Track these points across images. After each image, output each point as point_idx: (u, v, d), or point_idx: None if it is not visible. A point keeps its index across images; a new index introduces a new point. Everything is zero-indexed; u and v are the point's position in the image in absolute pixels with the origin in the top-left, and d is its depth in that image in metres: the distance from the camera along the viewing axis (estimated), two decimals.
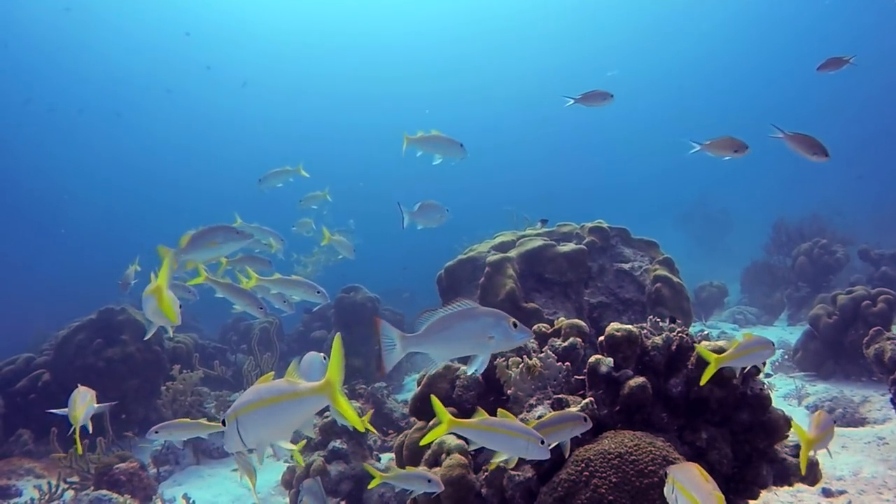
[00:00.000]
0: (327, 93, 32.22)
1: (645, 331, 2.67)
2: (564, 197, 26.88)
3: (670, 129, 33.32)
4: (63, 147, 29.71)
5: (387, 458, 4.45)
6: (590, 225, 5.12)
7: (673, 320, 2.74)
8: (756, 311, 9.27)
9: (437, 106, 31.21)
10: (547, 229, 5.25)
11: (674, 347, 2.61)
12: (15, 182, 29.72)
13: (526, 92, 32.79)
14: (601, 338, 2.60)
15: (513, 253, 4.54)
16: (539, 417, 2.30)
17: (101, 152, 29.97)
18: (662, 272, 4.76)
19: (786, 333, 7.86)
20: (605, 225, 5.12)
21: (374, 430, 3.45)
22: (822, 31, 25.90)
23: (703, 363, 2.47)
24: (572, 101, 4.18)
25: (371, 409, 5.20)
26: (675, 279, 4.75)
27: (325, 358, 2.31)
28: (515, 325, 1.79)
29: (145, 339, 2.57)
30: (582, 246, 4.71)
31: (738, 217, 19.69)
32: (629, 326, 2.54)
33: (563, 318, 2.95)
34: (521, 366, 2.48)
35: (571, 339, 2.78)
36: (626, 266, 4.97)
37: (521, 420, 2.35)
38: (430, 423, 2.60)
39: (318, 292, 3.30)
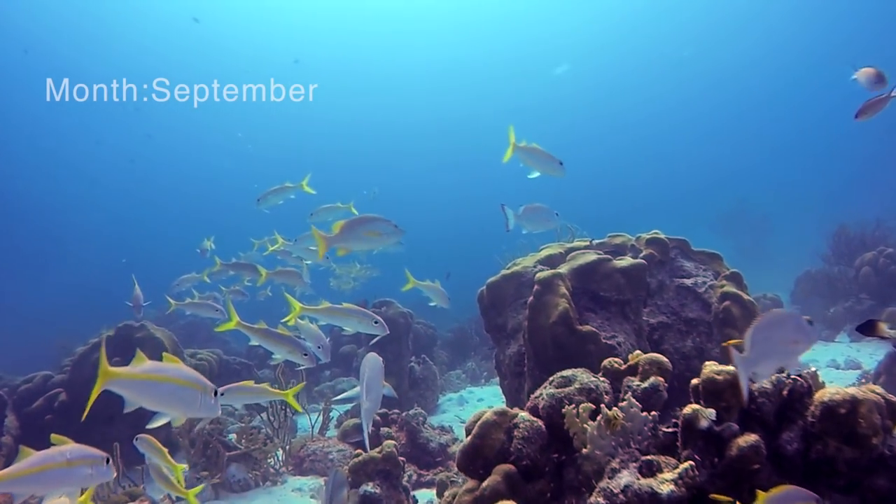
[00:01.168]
0: (352, 98, 31.94)
1: None
2: (595, 206, 26.18)
3: (702, 138, 32.58)
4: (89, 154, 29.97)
5: (422, 496, 3.99)
6: (646, 236, 4.62)
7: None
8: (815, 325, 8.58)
9: (469, 115, 30.85)
10: (597, 241, 4.76)
11: (785, 392, 2.12)
12: (38, 191, 30.20)
13: (555, 100, 32.29)
14: (695, 381, 2.12)
15: (564, 268, 4.05)
16: (626, 488, 1.82)
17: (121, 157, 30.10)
18: (730, 289, 4.24)
19: (853, 351, 7.19)
20: (662, 236, 4.61)
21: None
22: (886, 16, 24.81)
23: (828, 414, 1.98)
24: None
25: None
26: (746, 296, 4.22)
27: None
28: (811, 322, 1.78)
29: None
30: (641, 260, 4.21)
31: (780, 225, 18.87)
32: (731, 368, 2.05)
33: (639, 353, 2.46)
34: (599, 418, 2.00)
35: (652, 380, 2.30)
36: (689, 282, 4.46)
37: (605, 489, 1.87)
38: (485, 483, 2.13)
39: (376, 323, 2.82)
